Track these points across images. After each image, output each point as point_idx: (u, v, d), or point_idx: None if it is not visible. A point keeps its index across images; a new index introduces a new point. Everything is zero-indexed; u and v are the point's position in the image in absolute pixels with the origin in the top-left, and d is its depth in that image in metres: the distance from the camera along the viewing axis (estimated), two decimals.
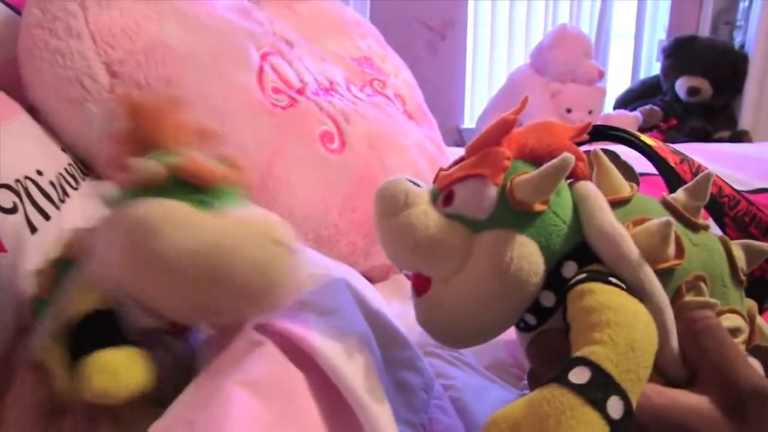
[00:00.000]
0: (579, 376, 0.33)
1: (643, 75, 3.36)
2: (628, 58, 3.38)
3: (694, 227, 0.46)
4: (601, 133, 0.61)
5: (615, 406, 0.32)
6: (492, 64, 3.10)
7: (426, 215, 0.43)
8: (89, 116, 0.72)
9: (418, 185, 0.45)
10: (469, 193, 0.42)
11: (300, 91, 0.90)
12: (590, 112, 2.72)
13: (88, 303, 0.43)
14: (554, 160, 0.40)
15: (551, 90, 2.68)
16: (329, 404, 0.43)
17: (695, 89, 2.85)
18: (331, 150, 0.86)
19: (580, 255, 0.41)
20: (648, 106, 2.87)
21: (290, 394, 0.42)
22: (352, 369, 0.44)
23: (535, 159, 0.43)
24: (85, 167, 0.75)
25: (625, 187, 0.46)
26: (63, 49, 0.72)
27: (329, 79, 0.97)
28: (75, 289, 0.45)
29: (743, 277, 0.47)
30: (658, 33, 3.37)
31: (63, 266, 0.47)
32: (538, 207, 0.41)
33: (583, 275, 0.39)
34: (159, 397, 0.41)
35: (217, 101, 0.79)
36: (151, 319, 0.45)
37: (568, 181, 0.44)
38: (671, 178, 0.62)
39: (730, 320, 0.42)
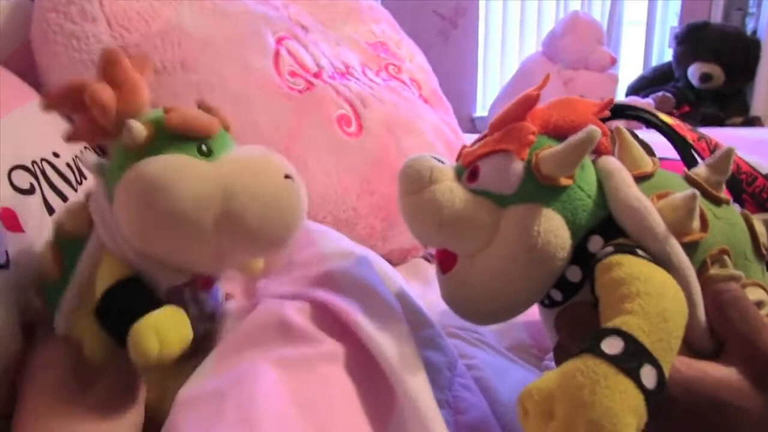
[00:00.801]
0: (612, 346, 0.33)
1: (655, 62, 3.33)
2: (640, 44, 3.36)
3: (717, 201, 0.46)
4: (620, 111, 0.61)
5: (648, 375, 0.32)
6: (504, 53, 3.08)
7: (451, 191, 0.43)
8: None
9: (441, 162, 0.45)
10: (495, 169, 0.42)
11: (316, 75, 0.89)
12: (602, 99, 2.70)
13: (111, 275, 0.43)
14: (580, 133, 0.40)
15: (564, 77, 2.66)
16: (365, 376, 0.43)
17: (708, 75, 2.82)
18: (348, 133, 0.85)
19: (606, 229, 0.41)
20: (660, 93, 2.85)
21: (320, 372, 0.42)
22: (388, 342, 0.44)
23: (559, 134, 0.43)
24: (101, 150, 0.74)
25: (647, 162, 0.46)
26: (78, 32, 0.72)
27: (345, 63, 0.97)
28: (94, 265, 0.45)
29: (765, 251, 0.47)
30: (670, 20, 3.34)
31: (66, 245, 0.47)
32: (564, 181, 0.40)
33: (611, 248, 0.39)
34: (187, 350, 0.42)
35: (233, 85, 0.79)
36: (175, 275, 0.46)
37: (592, 157, 0.44)
38: (689, 155, 0.61)
39: (753, 293, 0.42)
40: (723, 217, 0.44)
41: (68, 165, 0.63)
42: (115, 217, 0.44)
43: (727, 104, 2.87)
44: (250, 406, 0.38)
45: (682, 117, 2.75)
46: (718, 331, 0.39)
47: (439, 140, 0.98)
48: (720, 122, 2.74)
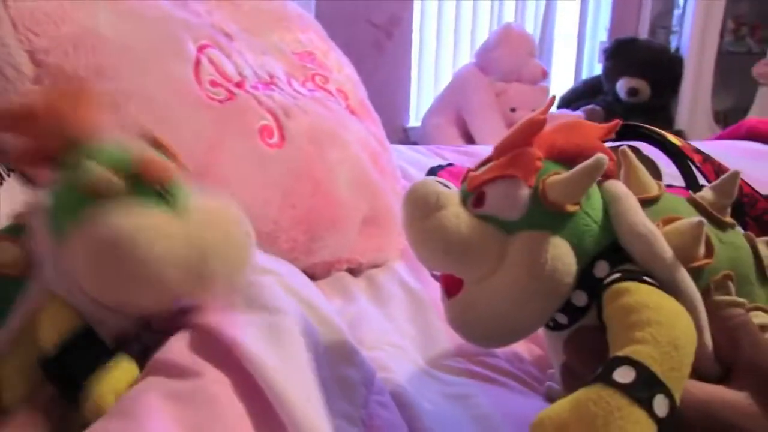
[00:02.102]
0: (624, 375, 0.33)
1: (585, 75, 3.42)
2: (571, 58, 3.44)
3: (722, 225, 0.47)
4: (631, 131, 0.62)
5: (661, 404, 0.33)
6: (438, 63, 3.11)
7: (457, 217, 0.43)
8: None
9: (447, 186, 0.45)
10: (501, 195, 0.42)
11: (239, 85, 0.87)
12: (534, 111, 2.75)
13: (60, 323, 0.42)
14: (588, 161, 0.40)
15: (496, 89, 2.70)
16: (258, 403, 0.42)
17: (635, 90, 2.93)
18: (270, 144, 0.84)
19: (612, 254, 0.42)
20: (590, 106, 2.94)
21: (211, 401, 0.41)
22: (279, 367, 0.43)
23: (565, 159, 0.43)
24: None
25: (652, 186, 0.47)
26: None
27: (269, 73, 0.95)
28: (36, 309, 0.43)
29: None
30: (599, 34, 3.44)
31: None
32: (571, 208, 0.41)
33: (618, 274, 0.40)
34: None
35: (152, 93, 0.76)
36: (126, 321, 0.46)
37: (599, 178, 0.44)
38: (692, 177, 0.63)
39: (757, 317, 0.43)
40: (728, 242, 0.45)
41: None
42: (65, 261, 0.42)
43: (654, 118, 2.97)
44: None
45: None
46: (724, 356, 0.39)
47: (365, 152, 0.97)
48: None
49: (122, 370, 0.42)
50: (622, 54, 3.00)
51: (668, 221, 0.43)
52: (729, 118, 3.13)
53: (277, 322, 0.48)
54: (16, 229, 0.46)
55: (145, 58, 0.78)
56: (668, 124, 3.04)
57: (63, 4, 0.73)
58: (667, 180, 0.57)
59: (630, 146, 0.50)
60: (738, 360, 0.38)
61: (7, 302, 0.43)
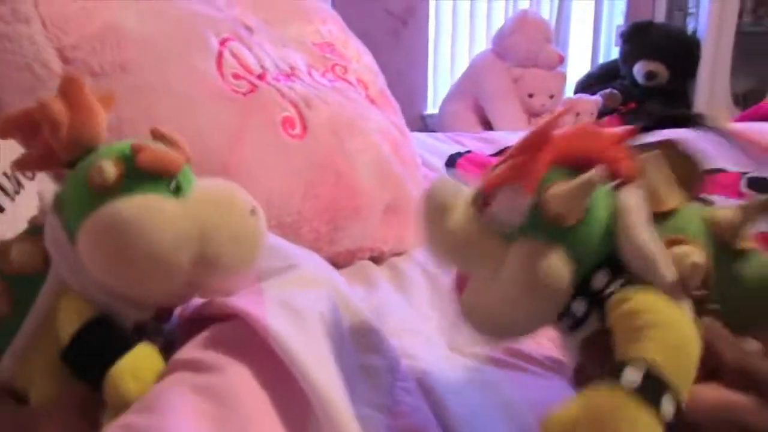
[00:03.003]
0: (632, 377, 0.34)
1: (602, 59, 3.39)
2: (588, 43, 3.41)
3: (731, 250, 0.43)
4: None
5: (668, 405, 0.34)
6: (454, 51, 3.10)
7: (465, 221, 0.44)
8: None
9: (465, 184, 0.46)
10: (505, 200, 0.42)
11: (261, 77, 0.88)
12: (551, 97, 2.73)
13: (76, 315, 0.43)
14: (582, 177, 0.40)
15: (513, 75, 2.68)
16: (277, 387, 0.43)
17: (653, 73, 2.90)
18: (292, 135, 0.85)
19: (615, 264, 0.41)
20: (608, 90, 2.91)
21: (234, 395, 0.42)
22: (306, 351, 0.44)
23: (576, 165, 0.42)
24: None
25: (671, 197, 0.45)
26: (10, 34, 0.70)
27: (290, 64, 0.96)
28: (54, 303, 0.44)
29: None
30: (616, 18, 3.40)
31: (16, 281, 0.45)
32: (570, 220, 0.40)
33: (621, 281, 0.40)
34: None
35: (175, 87, 0.78)
36: (141, 312, 0.47)
37: (616, 182, 0.43)
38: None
39: (749, 344, 0.42)
40: (730, 272, 0.43)
41: (5, 174, 0.61)
42: (79, 257, 0.43)
43: (672, 101, 2.94)
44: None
45: (629, 113, 2.82)
46: (703, 361, 0.39)
47: (385, 141, 0.98)
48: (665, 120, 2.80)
49: (142, 355, 0.43)
50: (639, 37, 2.96)
51: (672, 242, 0.42)
52: (749, 100, 3.08)
53: (300, 308, 0.49)
54: (35, 230, 0.46)
55: (168, 52, 0.80)
56: (687, 107, 3.01)
57: (90, 4, 0.75)
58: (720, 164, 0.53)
59: (669, 141, 0.48)
60: (722, 365, 0.39)
61: (30, 301, 0.44)
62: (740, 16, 3.16)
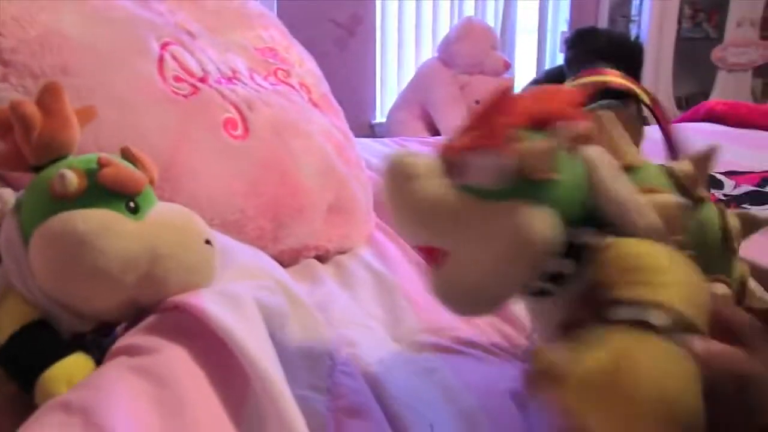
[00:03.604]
0: (660, 320, 0.35)
1: (547, 65, 3.46)
2: (533, 49, 3.48)
3: (694, 199, 0.47)
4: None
5: (694, 341, 0.35)
6: (401, 59, 3.12)
7: (436, 186, 0.43)
8: None
9: (424, 156, 0.45)
10: (478, 164, 0.42)
11: (202, 80, 0.89)
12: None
13: (17, 316, 0.44)
14: (551, 131, 0.41)
15: (460, 82, 2.72)
16: (220, 366, 0.44)
17: None
18: (234, 136, 0.86)
19: (600, 220, 0.42)
20: None
21: (171, 373, 0.43)
22: (243, 330, 0.45)
23: (539, 125, 0.43)
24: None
25: (634, 153, 0.47)
26: None
27: (232, 68, 0.97)
28: None
29: (737, 246, 0.49)
30: (560, 25, 3.48)
31: None
32: (548, 176, 0.41)
33: (606, 238, 0.41)
34: None
35: (117, 90, 0.78)
36: (81, 323, 0.47)
37: (576, 145, 0.44)
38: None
39: (717, 288, 0.45)
40: (694, 219, 0.46)
41: None
42: (29, 260, 0.44)
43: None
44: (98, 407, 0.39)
45: None
46: None
47: (329, 142, 1.00)
48: None
49: (77, 364, 0.43)
50: (583, 43, 3.02)
51: (646, 191, 0.43)
52: (690, 103, 3.18)
53: (236, 295, 0.49)
54: None
55: (109, 55, 0.80)
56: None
57: (30, 7, 0.75)
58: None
59: (615, 105, 0.50)
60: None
61: None
62: (679, 22, 3.27)
